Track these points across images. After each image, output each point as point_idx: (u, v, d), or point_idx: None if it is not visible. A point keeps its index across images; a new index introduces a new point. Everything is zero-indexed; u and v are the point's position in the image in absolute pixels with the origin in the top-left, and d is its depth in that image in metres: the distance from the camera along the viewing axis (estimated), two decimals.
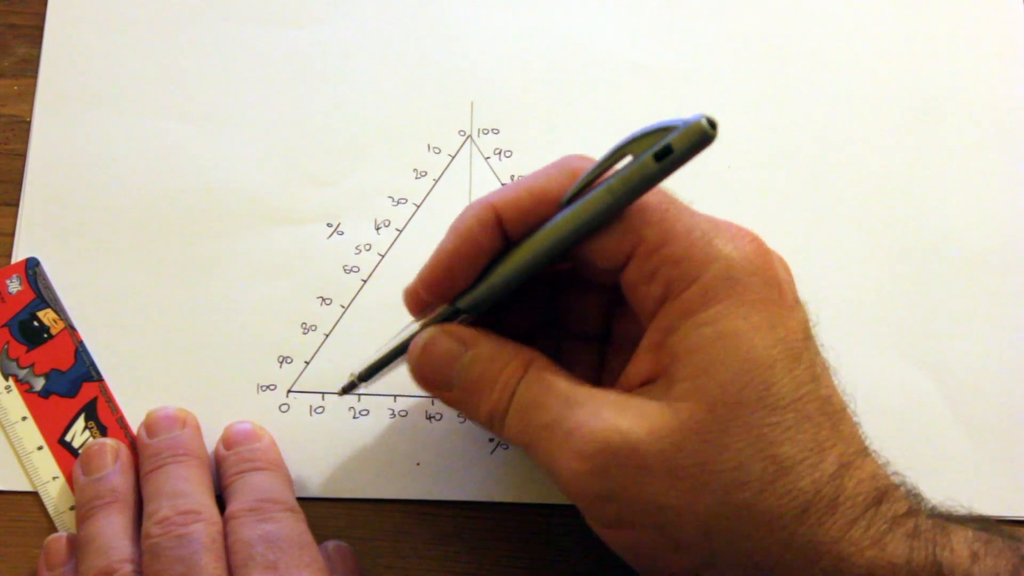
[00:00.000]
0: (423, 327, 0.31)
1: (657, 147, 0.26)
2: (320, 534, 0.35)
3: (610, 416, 0.27)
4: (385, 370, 0.33)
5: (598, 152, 0.41)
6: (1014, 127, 0.42)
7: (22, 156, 0.40)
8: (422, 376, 0.31)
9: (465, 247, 0.29)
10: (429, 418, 0.38)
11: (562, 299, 0.33)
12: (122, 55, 0.42)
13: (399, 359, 0.32)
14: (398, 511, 0.37)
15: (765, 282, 0.27)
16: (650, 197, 0.28)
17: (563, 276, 0.33)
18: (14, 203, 0.40)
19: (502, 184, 0.40)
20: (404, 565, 0.36)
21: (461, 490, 0.37)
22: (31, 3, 0.43)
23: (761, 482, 0.26)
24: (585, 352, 0.33)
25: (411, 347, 0.31)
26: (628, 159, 0.27)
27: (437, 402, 0.38)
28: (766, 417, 0.26)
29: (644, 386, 0.28)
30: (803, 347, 0.27)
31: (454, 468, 0.37)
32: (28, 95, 0.41)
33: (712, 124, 0.26)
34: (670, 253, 0.27)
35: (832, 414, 0.27)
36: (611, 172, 0.28)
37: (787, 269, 0.29)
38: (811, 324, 0.29)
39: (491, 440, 0.37)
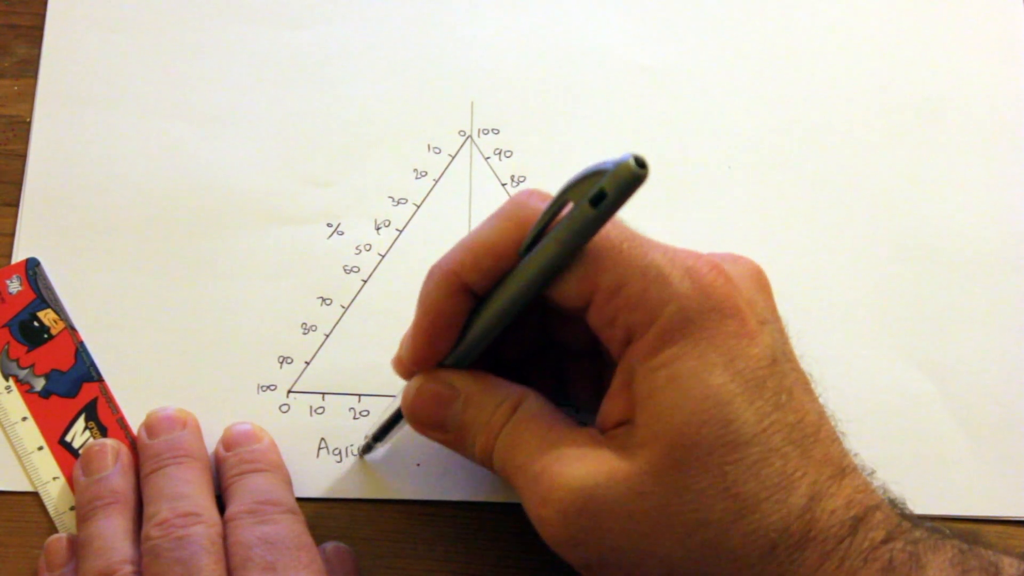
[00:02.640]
0: None
1: (591, 192, 0.26)
2: (320, 534, 0.35)
3: (573, 462, 0.27)
4: (396, 428, 0.35)
5: (597, 152, 0.41)
6: (1014, 127, 0.42)
7: (22, 156, 0.40)
8: (416, 421, 0.32)
9: (438, 319, 0.30)
10: None
11: (553, 323, 0.33)
12: (122, 55, 0.42)
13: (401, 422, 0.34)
14: (398, 511, 0.37)
15: (722, 315, 0.27)
16: (608, 232, 0.27)
17: (562, 346, 0.33)
18: (14, 203, 0.40)
19: (502, 184, 0.40)
20: (404, 565, 0.36)
21: (461, 490, 0.37)
22: (31, 3, 0.43)
23: (723, 522, 0.26)
24: (584, 368, 0.33)
25: (404, 393, 0.32)
26: (570, 206, 0.27)
27: None
28: (726, 455, 0.26)
29: (615, 428, 0.28)
30: (767, 374, 0.27)
31: (454, 468, 0.37)
32: (28, 95, 0.41)
33: (640, 163, 0.25)
34: (626, 297, 0.27)
35: (801, 440, 0.26)
36: (559, 218, 0.27)
37: (758, 286, 0.29)
38: (785, 341, 0.28)
39: None
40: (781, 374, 0.27)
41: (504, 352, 0.33)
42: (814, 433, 0.27)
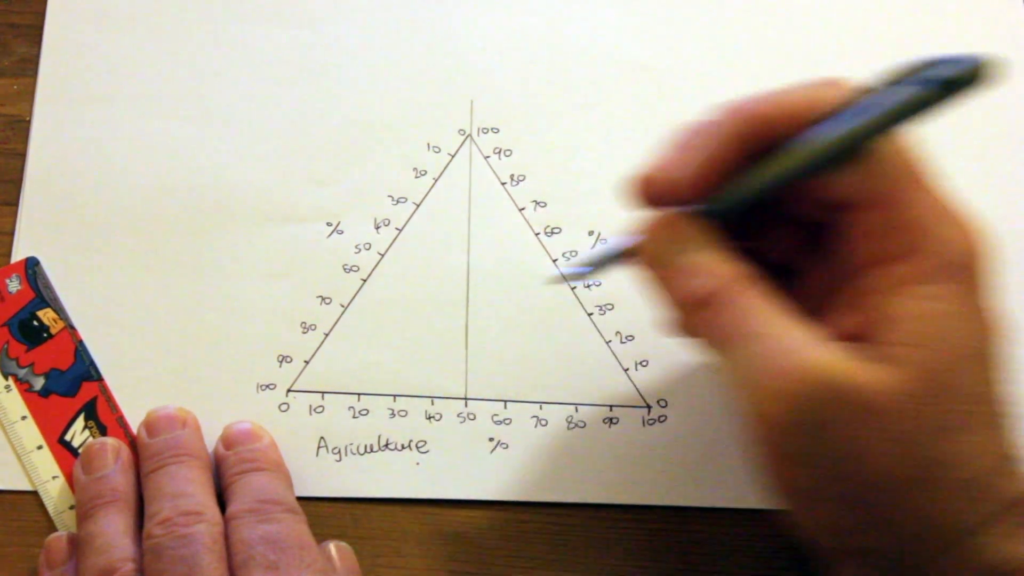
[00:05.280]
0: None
1: (936, 75, 0.25)
2: (320, 534, 0.35)
3: (817, 348, 0.25)
4: (610, 265, 0.32)
5: (597, 152, 0.41)
6: (1014, 127, 0.42)
7: (22, 156, 0.40)
8: (648, 248, 0.29)
9: (712, 152, 0.27)
10: (429, 418, 0.38)
11: (757, 223, 0.31)
12: (122, 55, 0.42)
13: (621, 259, 0.32)
14: (398, 511, 0.37)
15: (983, 274, 0.27)
16: (908, 156, 0.27)
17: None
18: (14, 203, 0.40)
19: (502, 184, 0.40)
20: (404, 565, 0.36)
21: (461, 490, 0.37)
22: (31, 3, 0.43)
23: (961, 461, 0.26)
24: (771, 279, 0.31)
25: (646, 228, 0.29)
26: (896, 88, 0.26)
27: (437, 402, 0.38)
28: (976, 402, 0.26)
29: (851, 339, 0.27)
30: (1004, 343, 0.27)
31: (454, 468, 0.37)
32: (28, 94, 0.41)
33: (987, 65, 0.24)
34: (903, 217, 0.27)
35: (1014, 416, 0.27)
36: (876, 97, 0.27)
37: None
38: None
39: (491, 440, 0.37)
40: (1010, 350, 0.27)
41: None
42: (1017, 414, 0.27)
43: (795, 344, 0.26)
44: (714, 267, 0.28)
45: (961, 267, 0.27)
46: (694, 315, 0.28)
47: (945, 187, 0.28)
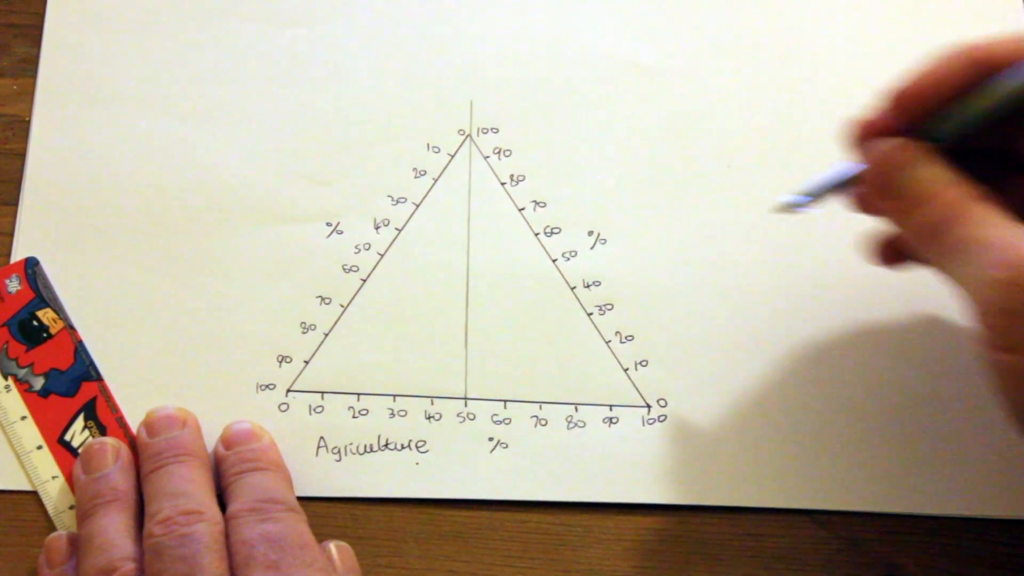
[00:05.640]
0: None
1: None
2: (320, 534, 0.35)
3: None
4: (838, 190, 0.34)
5: (597, 152, 0.41)
6: None
7: (21, 156, 0.40)
8: (875, 176, 0.32)
9: (941, 78, 0.30)
10: (429, 418, 0.38)
11: (998, 180, 0.33)
12: (121, 55, 0.42)
13: (847, 184, 0.33)
14: (398, 511, 0.37)
15: None
16: None
17: (998, 157, 0.33)
18: (13, 203, 0.40)
19: (501, 184, 0.40)
20: (404, 565, 0.36)
21: (461, 490, 0.37)
22: (31, 3, 0.43)
23: None
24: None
25: (875, 148, 0.32)
26: None
27: (437, 402, 0.38)
28: None
29: None
30: None
31: (453, 467, 0.37)
32: (27, 95, 0.41)
33: None
34: None
35: None
36: None
37: None
38: None
39: (491, 440, 0.37)
40: None
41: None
42: None
43: (1010, 235, 0.28)
44: (939, 191, 0.30)
45: None
46: (925, 242, 0.31)
47: None
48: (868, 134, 0.33)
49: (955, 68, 0.30)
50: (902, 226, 0.32)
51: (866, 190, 0.33)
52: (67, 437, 0.37)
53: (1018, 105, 0.29)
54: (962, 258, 0.29)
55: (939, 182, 0.31)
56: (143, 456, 0.35)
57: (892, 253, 0.36)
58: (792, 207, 0.35)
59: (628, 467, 0.37)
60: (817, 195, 0.34)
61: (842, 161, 0.33)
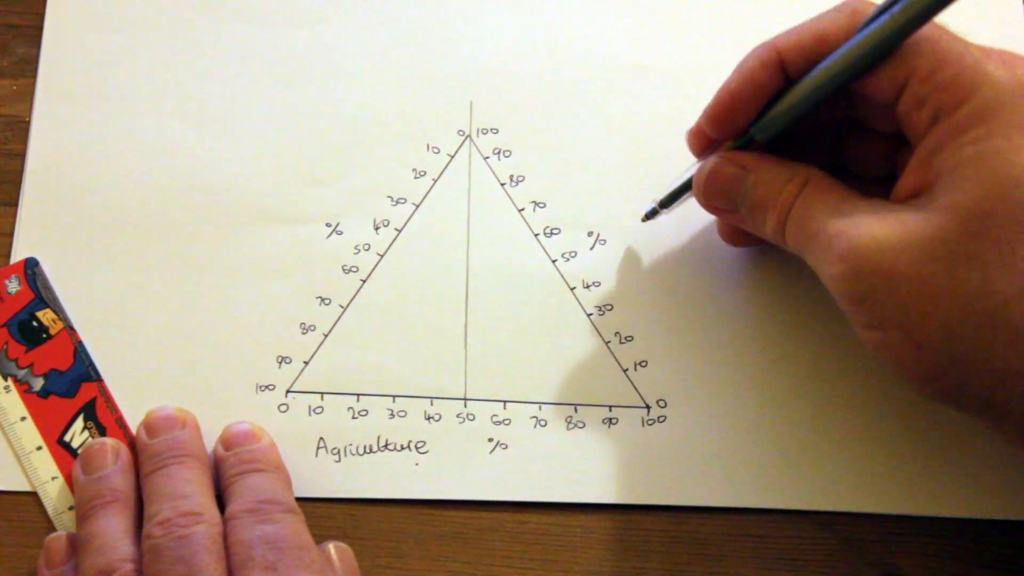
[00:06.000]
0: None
1: None
2: (320, 534, 0.35)
3: (868, 224, 0.29)
4: (683, 198, 0.37)
5: (597, 152, 0.41)
6: None
7: (21, 156, 0.40)
8: (708, 200, 0.35)
9: (746, 87, 0.32)
10: (428, 418, 0.38)
11: (847, 146, 0.35)
12: (122, 55, 0.42)
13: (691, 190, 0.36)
14: (398, 511, 0.37)
15: None
16: (923, 30, 0.29)
17: (846, 124, 0.34)
18: (13, 203, 0.40)
19: (501, 184, 0.40)
20: (404, 566, 0.36)
21: (461, 490, 0.37)
22: (31, 3, 0.43)
23: (1006, 294, 0.27)
24: (871, 192, 0.34)
25: (697, 173, 0.35)
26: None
27: (436, 402, 0.38)
28: (1018, 233, 0.27)
29: (910, 199, 0.30)
30: None
31: (454, 468, 0.37)
32: (27, 95, 0.41)
33: None
34: (940, 79, 0.29)
35: None
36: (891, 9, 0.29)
37: None
38: None
39: (490, 440, 0.37)
40: None
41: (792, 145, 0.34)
42: None
43: (851, 232, 0.29)
44: (772, 196, 0.32)
45: (1010, 100, 0.28)
46: (777, 242, 0.33)
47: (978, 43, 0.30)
48: (701, 143, 0.35)
49: (757, 77, 0.32)
50: (752, 231, 0.34)
51: (708, 209, 0.36)
52: (67, 438, 0.37)
53: (821, 101, 0.31)
54: (808, 255, 0.32)
55: (772, 185, 0.32)
56: (142, 457, 0.35)
57: (741, 236, 0.38)
58: (650, 216, 0.38)
59: (628, 468, 0.37)
60: (668, 204, 0.37)
61: (689, 167, 0.36)
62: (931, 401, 0.32)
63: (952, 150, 0.28)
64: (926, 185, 0.29)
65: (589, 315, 0.39)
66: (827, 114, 0.34)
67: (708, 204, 0.35)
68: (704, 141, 0.35)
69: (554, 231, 0.40)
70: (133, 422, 0.37)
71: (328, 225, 0.40)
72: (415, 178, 0.41)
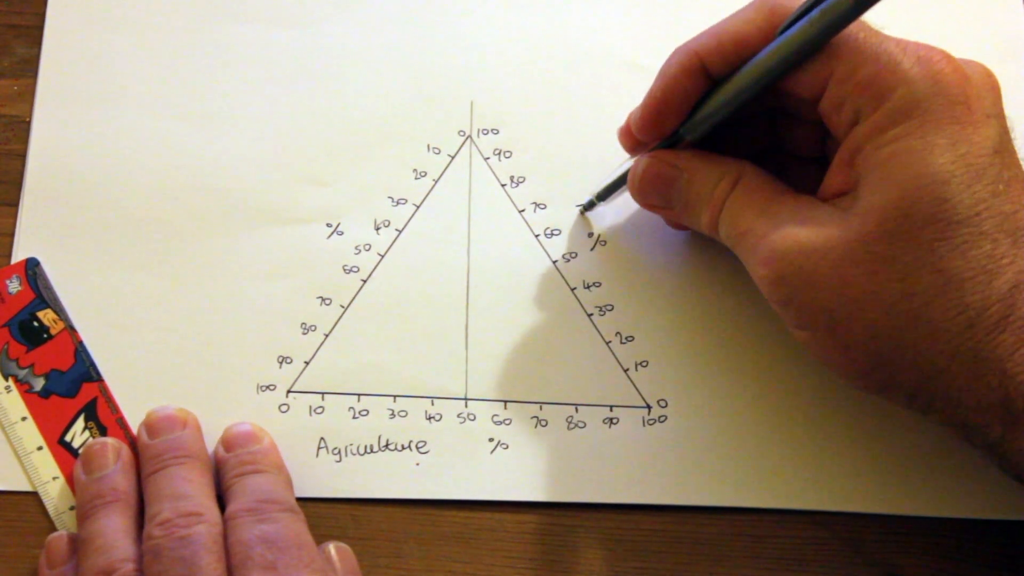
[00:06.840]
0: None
1: None
2: (320, 534, 0.35)
3: (792, 227, 0.30)
4: (620, 191, 0.37)
5: (597, 152, 0.41)
6: (1013, 127, 0.42)
7: (22, 156, 0.40)
8: (643, 199, 0.36)
9: (671, 92, 0.33)
10: (429, 418, 0.38)
11: (781, 128, 0.35)
12: (122, 55, 0.42)
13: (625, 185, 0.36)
14: (398, 511, 0.37)
15: (950, 102, 0.28)
16: (848, 27, 0.29)
17: (778, 111, 0.35)
18: (14, 203, 0.40)
19: (501, 185, 0.40)
20: (404, 566, 0.36)
21: (461, 490, 0.37)
22: (31, 3, 0.43)
23: (926, 295, 0.27)
24: (807, 171, 0.35)
25: (631, 173, 0.35)
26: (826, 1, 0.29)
27: (437, 402, 0.38)
28: (937, 232, 0.27)
29: (835, 198, 0.30)
30: (988, 163, 0.28)
31: (454, 468, 0.37)
32: (28, 95, 0.41)
33: None
34: (858, 80, 0.29)
35: (1013, 231, 0.28)
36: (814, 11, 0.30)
37: (988, 85, 0.30)
38: (1009, 139, 0.29)
39: (491, 440, 0.37)
40: (1002, 165, 0.28)
41: (729, 150, 0.34)
42: None
43: (775, 236, 0.30)
44: (704, 195, 0.33)
45: (925, 99, 0.28)
46: (713, 238, 0.34)
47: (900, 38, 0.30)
48: (632, 142, 0.35)
49: (681, 84, 0.32)
50: (689, 226, 0.35)
51: (644, 207, 0.36)
52: (67, 438, 0.37)
53: (747, 101, 0.32)
54: (739, 253, 0.32)
55: (704, 185, 0.33)
56: (143, 457, 0.35)
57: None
58: (588, 208, 0.39)
59: (628, 468, 0.37)
60: (604, 196, 0.39)
61: (624, 162, 0.37)
62: (864, 392, 0.33)
63: (870, 151, 0.29)
64: (849, 185, 0.30)
65: (590, 315, 0.39)
66: (757, 106, 0.34)
67: (644, 202, 0.36)
68: (635, 140, 0.35)
69: (554, 232, 0.40)
70: (134, 422, 0.37)
71: (329, 225, 0.40)
72: (416, 178, 0.41)
